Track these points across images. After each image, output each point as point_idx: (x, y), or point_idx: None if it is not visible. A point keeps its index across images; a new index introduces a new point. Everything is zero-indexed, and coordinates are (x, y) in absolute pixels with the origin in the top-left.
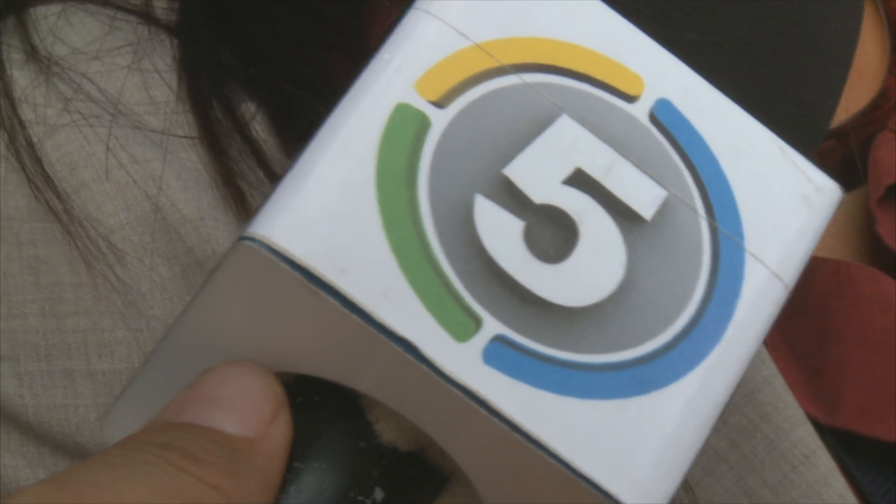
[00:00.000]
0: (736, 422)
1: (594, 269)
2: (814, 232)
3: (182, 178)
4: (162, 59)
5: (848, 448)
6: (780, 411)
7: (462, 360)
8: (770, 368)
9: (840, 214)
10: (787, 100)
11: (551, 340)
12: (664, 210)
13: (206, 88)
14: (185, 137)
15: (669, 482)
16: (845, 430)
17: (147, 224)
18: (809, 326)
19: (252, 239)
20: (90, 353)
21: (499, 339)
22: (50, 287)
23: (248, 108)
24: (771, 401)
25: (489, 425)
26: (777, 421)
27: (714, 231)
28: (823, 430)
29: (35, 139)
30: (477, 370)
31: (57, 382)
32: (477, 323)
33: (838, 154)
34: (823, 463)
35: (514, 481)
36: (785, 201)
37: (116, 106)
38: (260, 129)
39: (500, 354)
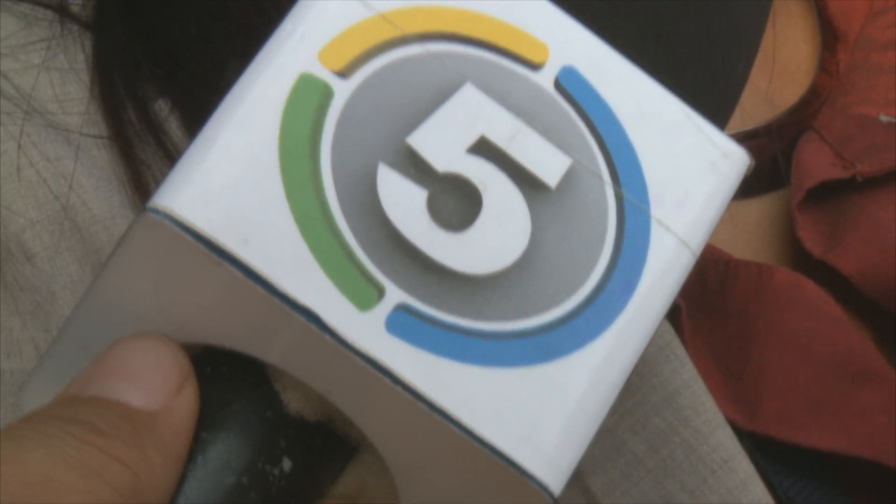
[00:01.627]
0: (655, 425)
1: (498, 237)
2: (722, 198)
3: (94, 176)
4: (76, 57)
5: (767, 453)
6: (699, 415)
7: (365, 329)
8: (690, 372)
9: (764, 217)
10: (697, 67)
11: (455, 309)
12: (569, 178)
13: (119, 88)
14: (97, 137)
15: (574, 450)
16: (764, 436)
17: (57, 223)
18: (731, 330)
19: (155, 210)
20: None
21: (402, 308)
22: None
23: (162, 107)
24: (690, 404)
25: (393, 394)
26: (696, 425)
27: (620, 199)
28: (742, 435)
29: None
30: (380, 339)
31: None
32: (380, 292)
33: (768, 153)
34: (742, 468)
35: (421, 451)
36: (692, 168)
37: (29, 103)
38: (174, 128)
39: (403, 323)
